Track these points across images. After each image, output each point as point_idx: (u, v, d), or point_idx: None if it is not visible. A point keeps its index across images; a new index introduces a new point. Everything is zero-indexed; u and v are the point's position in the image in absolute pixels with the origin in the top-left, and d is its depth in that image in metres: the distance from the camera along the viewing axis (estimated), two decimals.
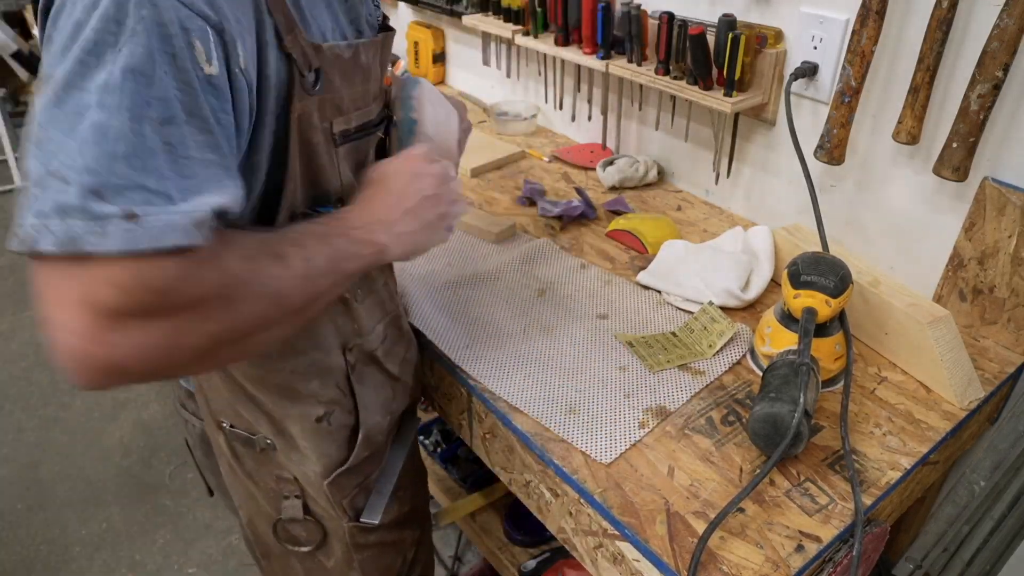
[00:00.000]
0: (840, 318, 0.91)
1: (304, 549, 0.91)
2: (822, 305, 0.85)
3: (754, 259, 1.11)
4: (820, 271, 0.86)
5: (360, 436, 0.85)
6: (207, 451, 0.94)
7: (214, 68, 0.54)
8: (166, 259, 0.50)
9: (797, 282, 0.87)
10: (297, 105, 0.64)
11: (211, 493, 1.11)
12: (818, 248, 1.01)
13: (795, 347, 0.84)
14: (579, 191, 1.32)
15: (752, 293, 1.06)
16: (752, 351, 0.97)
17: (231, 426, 0.80)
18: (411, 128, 0.81)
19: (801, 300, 0.86)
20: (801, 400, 0.76)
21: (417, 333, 1.01)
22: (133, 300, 0.49)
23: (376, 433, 0.87)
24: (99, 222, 0.47)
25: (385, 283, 0.88)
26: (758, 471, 0.80)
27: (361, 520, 0.89)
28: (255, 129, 0.62)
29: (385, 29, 0.78)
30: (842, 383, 0.90)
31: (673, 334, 1.01)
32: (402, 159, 0.75)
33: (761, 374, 0.91)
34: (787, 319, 0.90)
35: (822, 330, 0.88)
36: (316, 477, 0.83)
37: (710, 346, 0.97)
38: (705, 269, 1.07)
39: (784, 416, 0.76)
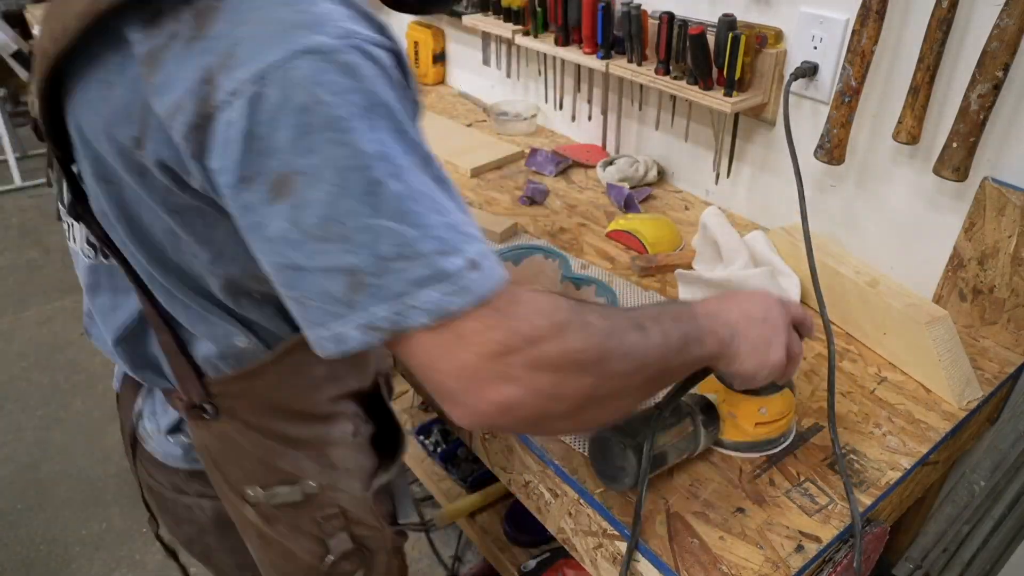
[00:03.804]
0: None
1: None
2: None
3: (769, 267, 1.07)
4: None
5: (401, 445, 0.89)
6: (224, 532, 0.89)
7: None
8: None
9: None
10: None
11: None
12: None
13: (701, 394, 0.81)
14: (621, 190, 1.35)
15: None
16: None
17: (263, 488, 0.78)
18: None
19: None
20: (647, 443, 0.72)
21: None
22: (507, 338, 0.50)
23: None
24: (453, 279, 0.48)
25: None
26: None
27: (399, 523, 0.92)
28: None
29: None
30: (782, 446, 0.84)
31: None
32: (758, 293, 0.74)
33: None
34: None
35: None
36: (360, 492, 0.84)
37: None
38: None
39: (613, 445, 0.74)
